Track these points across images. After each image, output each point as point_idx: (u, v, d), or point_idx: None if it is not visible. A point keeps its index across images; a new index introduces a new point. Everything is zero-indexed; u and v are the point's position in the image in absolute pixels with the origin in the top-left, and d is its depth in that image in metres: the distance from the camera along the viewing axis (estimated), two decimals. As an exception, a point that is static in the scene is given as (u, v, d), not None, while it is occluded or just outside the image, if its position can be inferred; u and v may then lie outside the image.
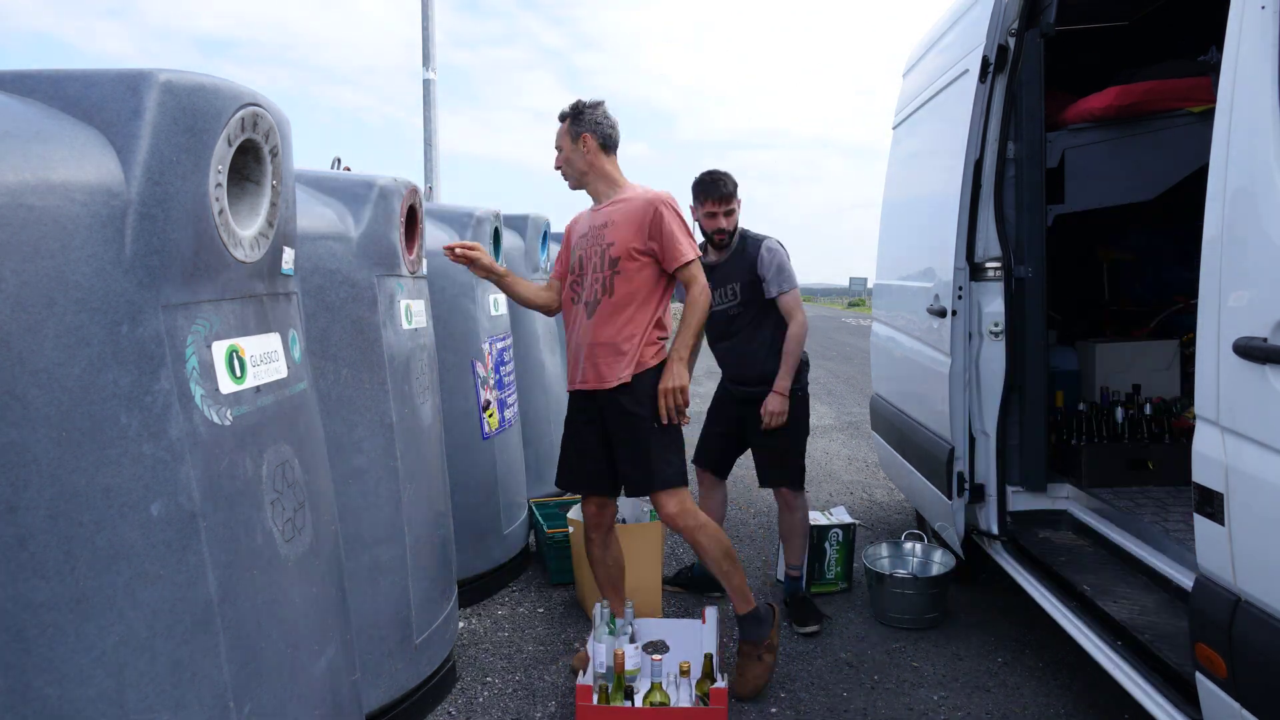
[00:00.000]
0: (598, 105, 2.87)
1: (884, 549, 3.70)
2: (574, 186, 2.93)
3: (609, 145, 2.87)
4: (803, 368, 3.46)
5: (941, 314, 3.27)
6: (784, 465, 3.44)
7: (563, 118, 2.88)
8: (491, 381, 3.70)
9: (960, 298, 3.18)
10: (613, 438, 2.82)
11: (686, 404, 2.79)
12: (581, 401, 2.89)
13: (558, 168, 2.92)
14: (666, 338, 2.86)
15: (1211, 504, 1.78)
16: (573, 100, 2.92)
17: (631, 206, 2.79)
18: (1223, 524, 1.74)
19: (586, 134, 2.82)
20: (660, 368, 2.79)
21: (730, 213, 3.38)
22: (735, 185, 3.38)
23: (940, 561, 3.56)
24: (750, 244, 3.43)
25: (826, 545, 3.74)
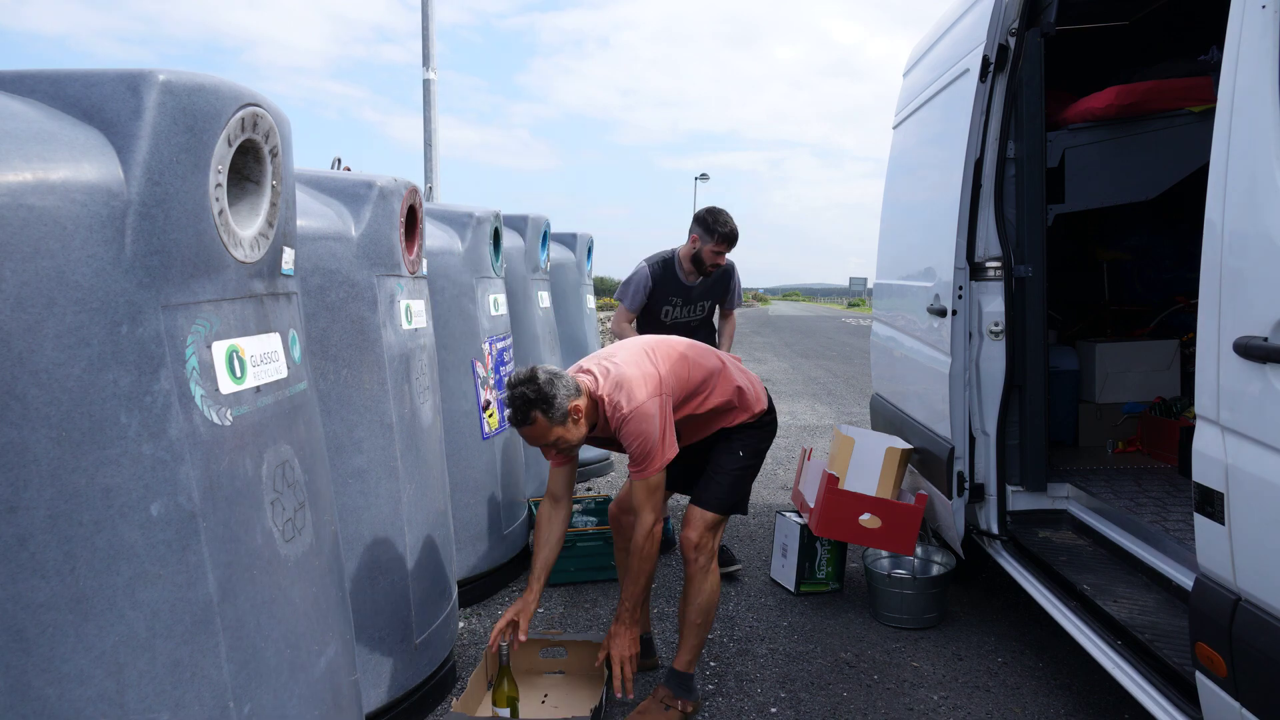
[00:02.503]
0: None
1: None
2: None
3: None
4: None
5: (942, 313, 3.27)
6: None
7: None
8: (491, 381, 3.70)
9: (960, 297, 3.18)
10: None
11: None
12: None
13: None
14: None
15: (1211, 503, 1.78)
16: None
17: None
18: (1223, 523, 1.74)
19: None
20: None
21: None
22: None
23: (940, 561, 3.55)
24: (726, 267, 3.92)
25: (818, 545, 3.72)
